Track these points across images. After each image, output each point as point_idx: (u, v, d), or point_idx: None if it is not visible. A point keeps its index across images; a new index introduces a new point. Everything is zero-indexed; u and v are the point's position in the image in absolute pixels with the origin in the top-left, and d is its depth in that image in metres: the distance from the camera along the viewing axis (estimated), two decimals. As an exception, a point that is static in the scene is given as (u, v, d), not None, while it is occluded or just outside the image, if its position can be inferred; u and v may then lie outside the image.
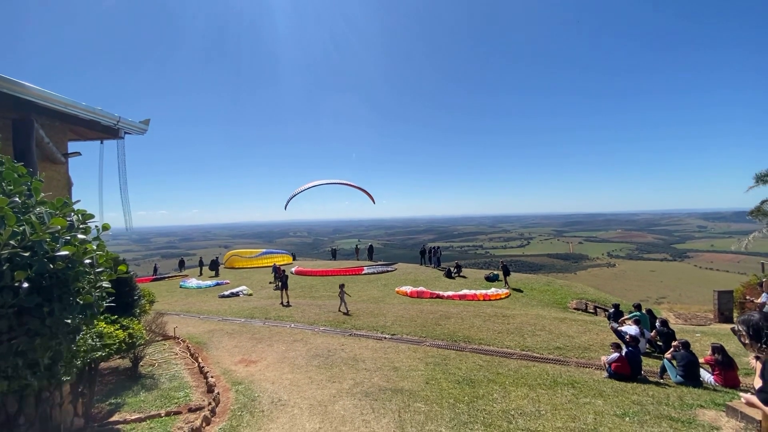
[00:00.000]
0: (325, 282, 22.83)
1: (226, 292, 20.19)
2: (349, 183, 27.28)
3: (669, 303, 28.91)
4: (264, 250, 34.62)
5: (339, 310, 13.55)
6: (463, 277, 22.07)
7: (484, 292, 17.67)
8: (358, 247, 35.34)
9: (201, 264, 32.26)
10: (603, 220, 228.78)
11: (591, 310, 16.32)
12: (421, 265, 27.39)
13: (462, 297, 17.18)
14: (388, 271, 24.77)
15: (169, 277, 30.39)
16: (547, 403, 6.03)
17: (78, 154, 7.35)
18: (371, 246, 33.36)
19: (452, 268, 22.85)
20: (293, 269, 26.80)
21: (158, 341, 9.44)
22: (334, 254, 36.32)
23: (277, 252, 33.90)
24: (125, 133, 6.75)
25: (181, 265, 35.80)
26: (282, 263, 30.93)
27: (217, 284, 24.20)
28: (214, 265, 29.32)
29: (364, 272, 24.63)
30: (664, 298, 62.74)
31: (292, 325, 12.08)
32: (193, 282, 25.19)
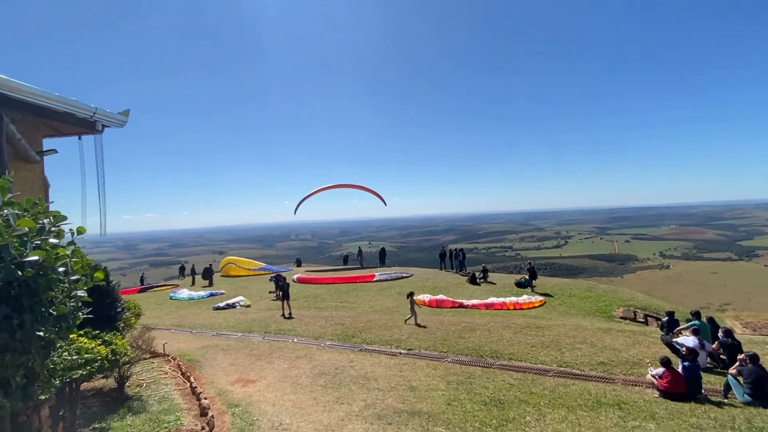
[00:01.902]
0: (332, 291, 22.95)
1: (221, 304, 20.53)
2: (358, 186, 28.03)
3: (734, 310, 28.08)
4: (264, 264, 35.03)
5: (407, 322, 13.59)
6: (490, 283, 22.02)
7: (514, 299, 17.60)
8: (362, 250, 36.08)
9: (193, 272, 32.87)
10: (654, 215, 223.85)
11: (641, 320, 16.07)
12: (441, 270, 27.39)
13: (489, 306, 17.16)
14: (402, 278, 24.83)
15: (158, 287, 31.07)
16: (589, 427, 5.91)
17: (54, 151, 7.55)
18: (383, 249, 33.52)
19: (477, 273, 22.75)
20: (295, 277, 27.14)
21: (146, 359, 9.63)
22: (345, 260, 36.70)
23: (279, 270, 34.30)
24: (103, 126, 6.90)
25: (182, 271, 36.51)
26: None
27: (211, 295, 24.62)
28: (208, 274, 29.83)
29: (375, 279, 24.80)
30: (728, 305, 61.05)
31: (295, 340, 12.20)
32: (184, 293, 25.68)
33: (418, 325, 13.20)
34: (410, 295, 14.36)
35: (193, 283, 30.57)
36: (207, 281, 29.43)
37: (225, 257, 37.35)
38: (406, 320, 13.81)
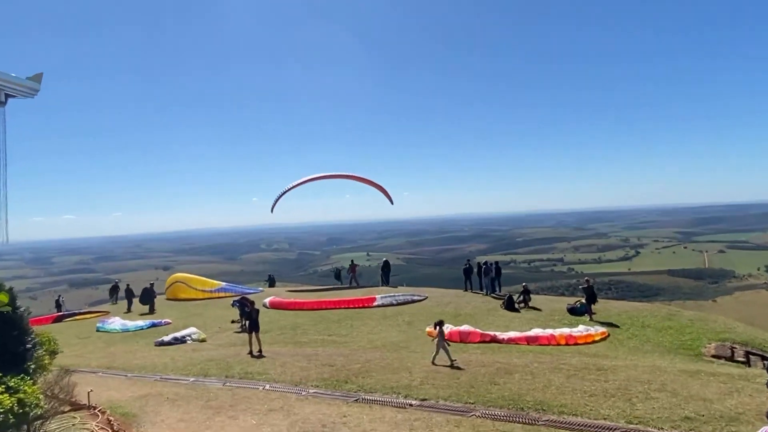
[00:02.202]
0: (317, 319, 22.93)
1: (167, 338, 20.54)
2: (355, 176, 27.89)
3: None
4: (224, 284, 34.94)
5: (435, 363, 13.56)
6: (534, 308, 21.99)
7: (566, 331, 17.61)
8: (341, 268, 36.38)
9: (129, 295, 32.98)
10: (758, 215, 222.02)
11: (741, 359, 16.00)
12: (466, 290, 27.35)
13: (532, 340, 17.15)
14: (413, 302, 24.73)
15: (80, 315, 31.14)
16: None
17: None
18: (387, 263, 33.51)
19: (516, 296, 22.69)
20: (267, 301, 27.08)
21: (65, 412, 9.64)
22: (338, 275, 36.71)
23: (245, 291, 34.33)
24: (7, 96, 6.93)
25: (114, 293, 36.36)
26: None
27: (153, 325, 24.71)
28: (148, 297, 29.88)
29: (376, 304, 24.74)
30: None
31: (267, 387, 12.18)
32: (116, 323, 25.71)
33: (453, 366, 13.17)
34: (439, 324, 14.37)
35: (129, 309, 30.62)
36: (147, 307, 29.48)
37: (172, 274, 37.37)
38: (433, 360, 13.78)
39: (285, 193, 27.28)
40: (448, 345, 14.45)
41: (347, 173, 28.42)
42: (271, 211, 28.01)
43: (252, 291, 34.47)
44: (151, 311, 28.86)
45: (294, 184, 26.91)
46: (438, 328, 14.26)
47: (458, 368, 12.96)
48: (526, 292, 22.96)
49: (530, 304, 22.44)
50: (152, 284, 31.40)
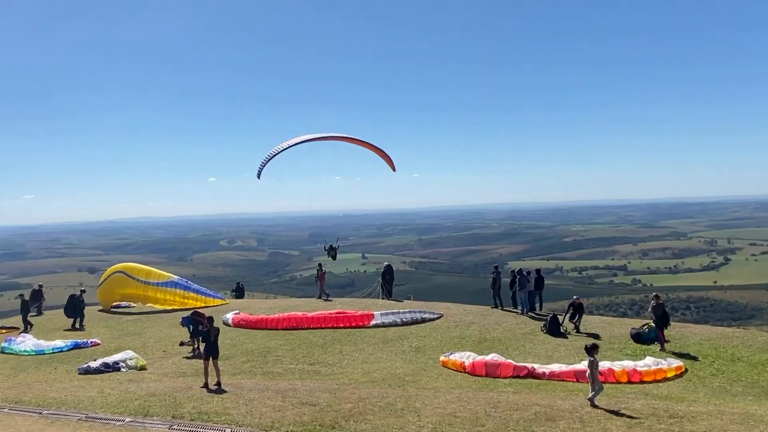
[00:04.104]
0: (295, 342, 22.96)
1: (95, 363, 20.49)
2: (354, 138, 27.69)
3: None
4: (178, 279, 34.77)
5: (595, 404, 13.39)
6: (588, 334, 21.89)
7: (630, 365, 17.50)
8: (323, 270, 35.82)
9: (37, 302, 32.83)
10: None
11: None
12: (495, 307, 27.36)
13: (582, 376, 16.63)
14: (424, 321, 24.75)
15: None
16: None
17: None
18: (389, 268, 33.60)
19: (562, 316, 22.67)
20: (229, 317, 27.18)
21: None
22: (332, 252, 36.50)
23: (210, 294, 33.93)
24: None
25: (35, 300, 36.03)
26: (207, 306, 31.50)
27: (76, 346, 24.71)
28: (76, 308, 29.81)
29: (374, 323, 24.76)
30: None
31: (228, 431, 12.24)
32: (28, 342, 25.70)
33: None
34: (591, 349, 14.05)
35: (26, 321, 30.32)
36: (75, 320, 29.37)
37: (109, 268, 36.55)
38: (593, 401, 13.43)
39: (275, 156, 26.45)
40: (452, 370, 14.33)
41: (342, 134, 27.99)
42: (258, 177, 27.26)
43: (215, 295, 34.41)
44: (78, 326, 28.87)
45: (284, 146, 26.25)
46: (591, 355, 14.00)
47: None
48: (575, 310, 22.72)
49: (581, 327, 22.33)
50: (83, 291, 31.04)
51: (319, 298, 34.02)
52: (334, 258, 33.52)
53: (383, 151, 27.91)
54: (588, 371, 13.82)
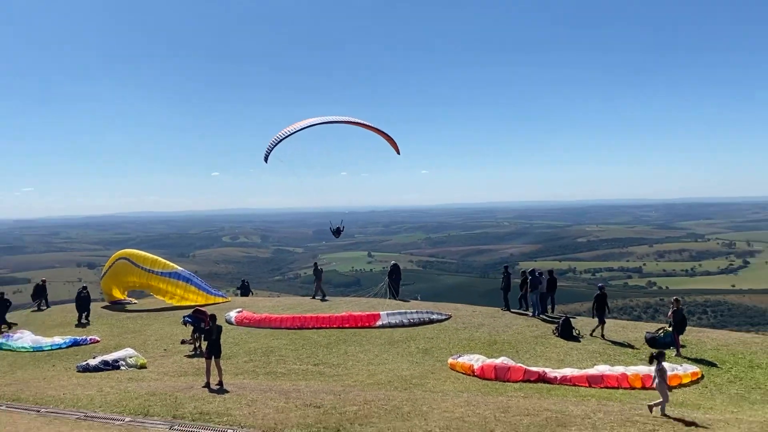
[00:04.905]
0: (299, 342, 23.06)
1: (94, 361, 20.64)
2: (360, 122, 27.90)
3: None
4: (182, 270, 34.74)
5: (665, 414, 13.20)
6: (604, 339, 21.88)
7: (644, 370, 17.37)
8: (320, 268, 35.85)
9: (40, 298, 32.85)
10: None
11: None
12: (505, 309, 27.38)
13: (596, 381, 17.14)
14: (432, 322, 24.83)
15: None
16: None
17: None
18: (396, 267, 33.63)
19: (575, 318, 22.60)
20: (232, 316, 27.29)
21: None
22: (337, 232, 36.35)
23: (213, 292, 33.85)
24: None
25: (39, 294, 35.78)
26: (208, 303, 31.53)
27: (75, 343, 24.85)
28: (84, 304, 30.04)
29: (380, 323, 24.83)
30: None
31: (231, 433, 12.18)
32: (26, 339, 25.74)
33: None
34: (658, 358, 13.78)
35: (36, 312, 30.41)
36: (82, 315, 29.67)
37: (115, 254, 36.45)
38: (663, 410, 13.25)
39: (285, 138, 26.57)
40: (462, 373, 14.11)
41: (348, 118, 28.13)
42: (265, 160, 27.54)
43: (217, 293, 34.37)
44: (85, 320, 29.30)
45: (295, 129, 26.36)
46: (656, 362, 13.77)
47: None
48: (601, 301, 22.07)
49: (594, 331, 22.27)
50: (84, 289, 31.16)
51: (314, 297, 33.74)
52: (337, 237, 33.90)
53: (388, 135, 28.04)
54: (656, 380, 13.58)
